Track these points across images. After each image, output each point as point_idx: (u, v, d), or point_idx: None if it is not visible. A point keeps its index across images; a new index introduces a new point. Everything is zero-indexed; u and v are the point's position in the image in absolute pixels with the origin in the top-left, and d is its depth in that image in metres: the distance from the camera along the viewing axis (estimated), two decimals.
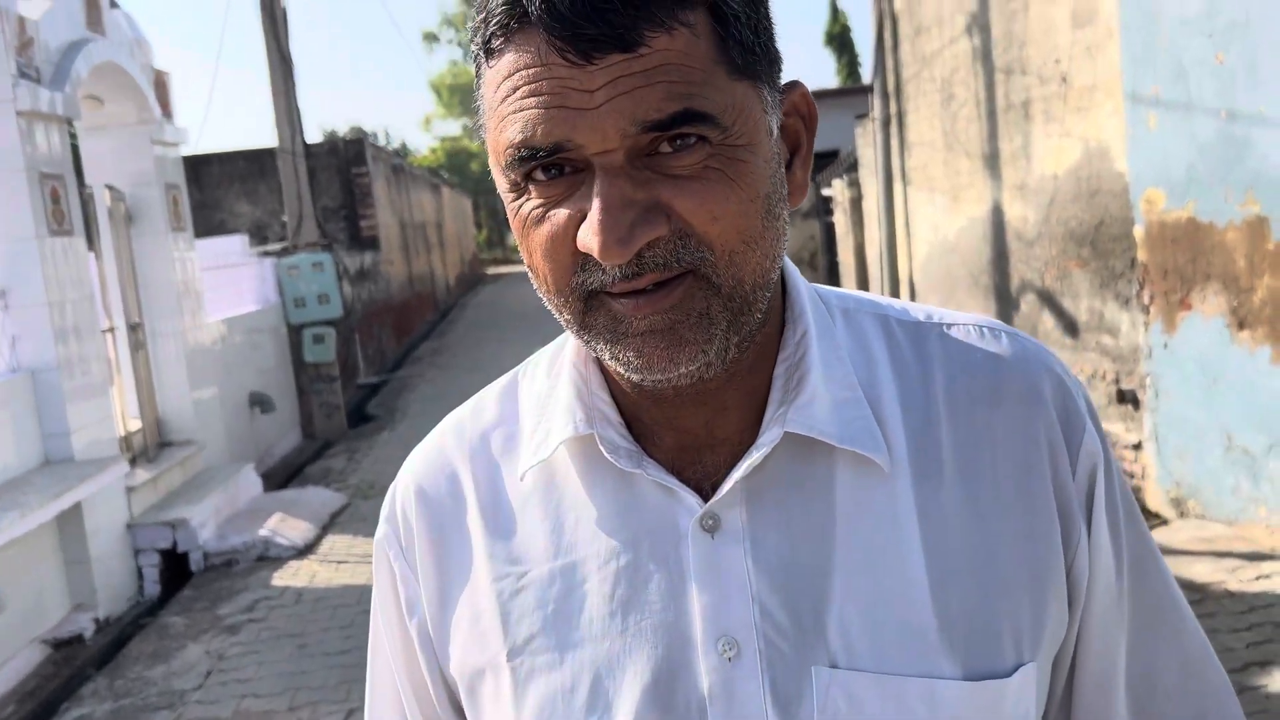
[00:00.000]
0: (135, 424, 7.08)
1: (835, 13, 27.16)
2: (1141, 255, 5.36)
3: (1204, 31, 4.75)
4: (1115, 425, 5.78)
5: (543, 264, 0.69)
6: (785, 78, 0.73)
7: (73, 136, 6.81)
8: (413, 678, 0.85)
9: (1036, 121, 6.30)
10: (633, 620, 0.74)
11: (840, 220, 11.01)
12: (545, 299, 0.71)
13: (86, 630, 5.44)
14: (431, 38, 49.06)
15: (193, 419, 7.58)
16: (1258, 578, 4.40)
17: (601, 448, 0.75)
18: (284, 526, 6.77)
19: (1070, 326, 6.19)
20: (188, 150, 9.05)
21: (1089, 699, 0.81)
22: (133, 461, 6.69)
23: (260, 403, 9.16)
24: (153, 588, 6.20)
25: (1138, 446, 5.59)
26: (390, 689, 0.88)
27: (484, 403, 0.85)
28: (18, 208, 5.49)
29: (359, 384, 12.84)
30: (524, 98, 0.65)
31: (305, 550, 6.53)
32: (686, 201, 0.65)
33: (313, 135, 14.09)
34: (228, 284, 9.51)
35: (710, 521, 0.73)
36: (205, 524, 6.56)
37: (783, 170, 0.72)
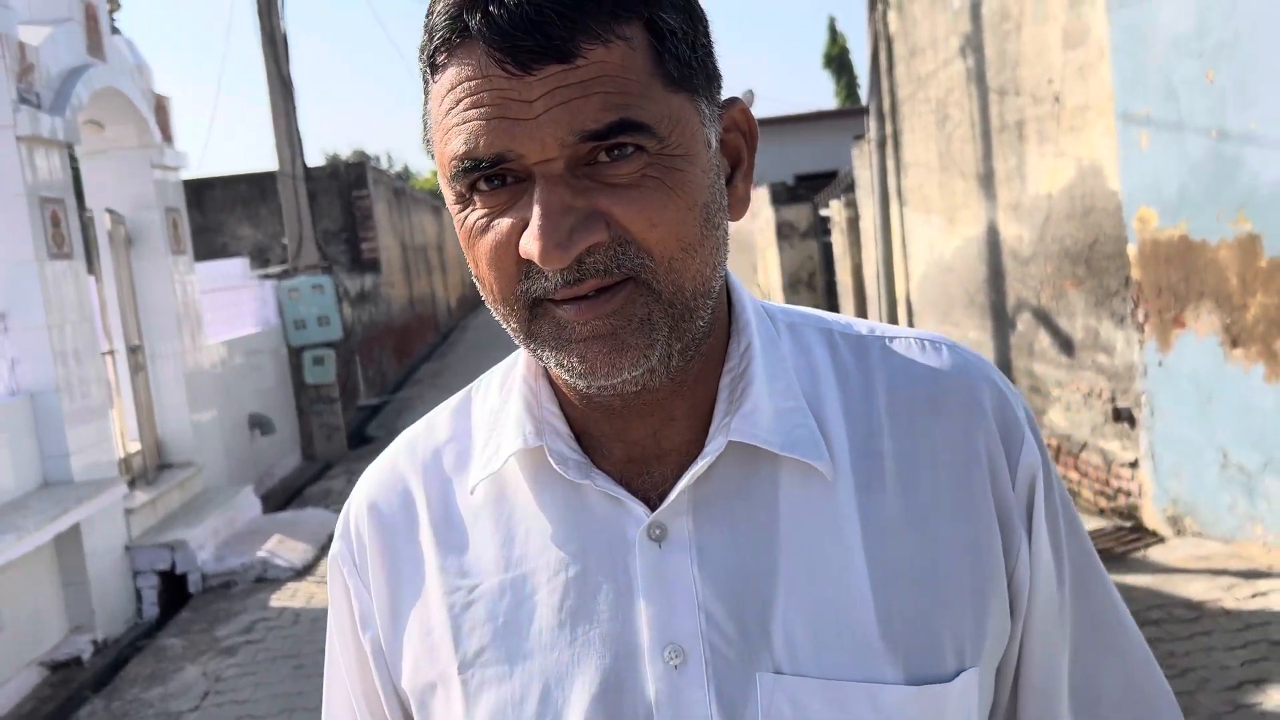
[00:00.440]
0: (135, 446, 7.09)
1: (834, 34, 27.33)
2: (1135, 273, 5.39)
3: (1194, 52, 4.78)
4: (1111, 443, 5.79)
5: (488, 273, 0.70)
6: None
7: (73, 160, 6.86)
8: (366, 692, 0.86)
9: (1030, 141, 6.33)
10: (581, 631, 0.75)
11: (838, 240, 11.04)
12: (492, 309, 0.73)
13: (85, 652, 5.44)
14: None
15: (192, 441, 7.59)
16: (1254, 595, 4.40)
17: (550, 459, 0.77)
18: (282, 548, 6.77)
19: (1066, 345, 6.21)
20: (189, 173, 9.11)
21: (1032, 708, 0.82)
22: (132, 483, 6.70)
23: (260, 424, 9.18)
24: (151, 609, 6.20)
25: (1134, 464, 5.60)
26: (344, 703, 0.88)
27: (437, 419, 0.87)
28: (18, 231, 5.53)
29: (359, 405, 12.86)
30: (466, 109, 0.67)
31: (303, 571, 6.53)
32: (625, 209, 0.67)
33: (316, 158, 14.14)
34: (229, 306, 9.55)
35: (657, 531, 0.75)
36: (204, 545, 6.57)
37: (722, 183, 0.73)
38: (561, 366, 0.71)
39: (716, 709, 0.72)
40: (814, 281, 12.55)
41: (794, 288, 12.62)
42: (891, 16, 8.54)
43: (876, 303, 9.25)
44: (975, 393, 0.78)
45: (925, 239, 8.28)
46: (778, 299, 12.73)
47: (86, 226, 6.79)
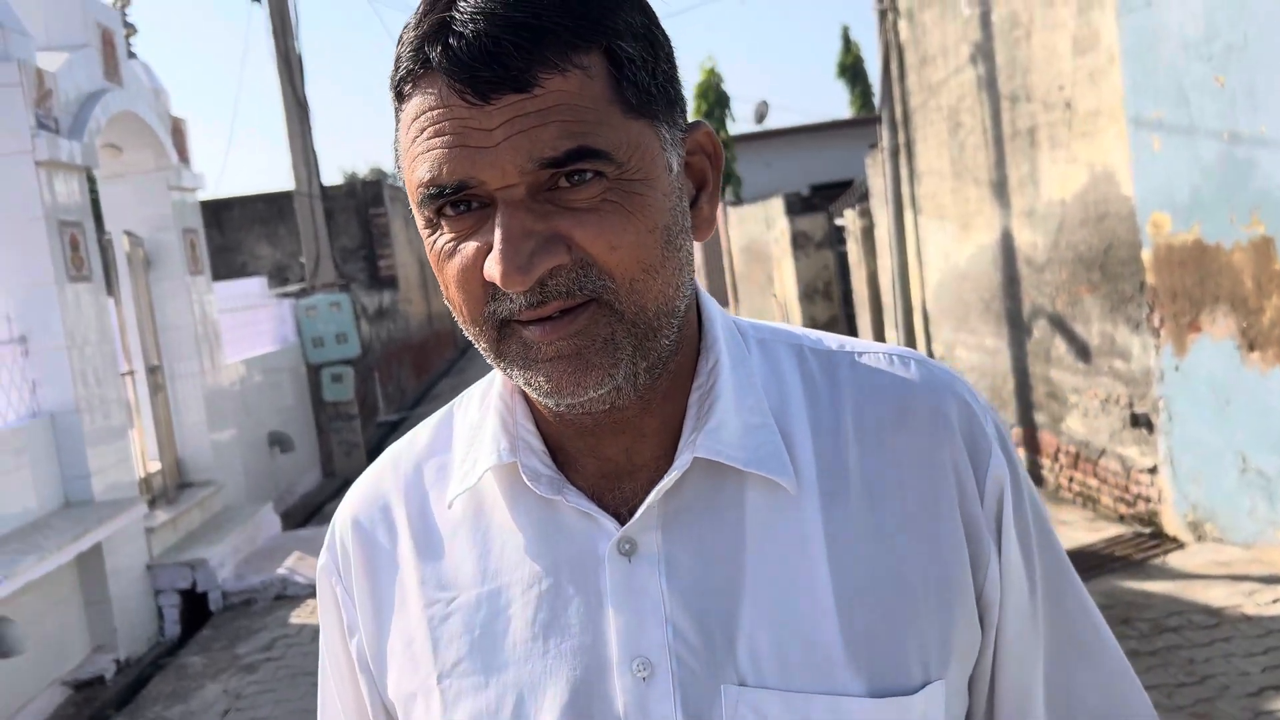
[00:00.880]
0: (155, 465, 7.15)
1: (847, 44, 27.30)
2: (1150, 278, 5.36)
3: (1203, 55, 4.77)
4: (1130, 449, 5.75)
5: (457, 295, 0.73)
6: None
7: (92, 183, 6.94)
8: (356, 701, 0.88)
9: (1043, 148, 6.32)
10: (553, 643, 0.77)
11: (853, 249, 11.03)
12: (464, 329, 0.75)
13: (107, 671, 5.49)
14: None
15: (212, 459, 7.65)
16: (1275, 601, 4.36)
17: (524, 475, 0.78)
18: (302, 565, 6.81)
19: (1082, 351, 6.18)
20: (207, 194, 9.20)
21: (1008, 719, 0.82)
22: (152, 503, 6.76)
23: (280, 442, 9.24)
24: (173, 628, 6.24)
25: (1153, 470, 5.56)
26: (336, 713, 0.91)
27: (420, 435, 0.89)
28: (38, 255, 5.60)
29: (378, 422, 12.92)
30: (430, 138, 0.69)
31: None
32: (585, 232, 0.69)
33: (333, 177, 14.27)
34: (247, 325, 9.63)
35: (627, 546, 0.76)
36: (224, 564, 6.61)
37: (685, 204, 0.75)
38: (529, 385, 0.73)
39: None
40: (830, 291, 12.53)
41: (810, 297, 12.60)
42: (902, 25, 8.55)
43: (892, 311, 9.23)
44: (942, 407, 0.79)
45: (940, 247, 8.26)
46: (794, 309, 12.71)
47: (105, 249, 6.87)
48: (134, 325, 7.31)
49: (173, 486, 7.28)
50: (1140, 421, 5.62)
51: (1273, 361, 4.63)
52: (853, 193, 11.78)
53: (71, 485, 5.71)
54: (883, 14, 8.68)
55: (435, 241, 0.73)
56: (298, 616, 6.14)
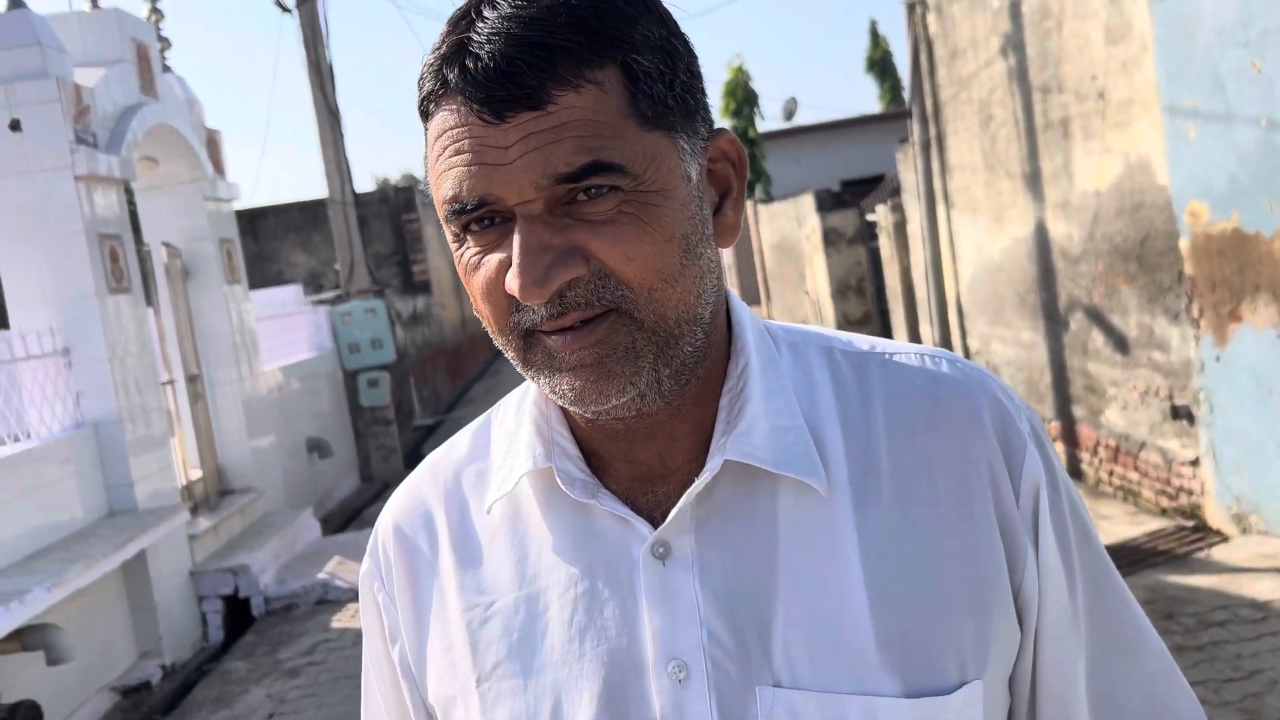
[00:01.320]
0: (196, 473, 7.25)
1: (876, 38, 27.17)
2: (1188, 268, 5.29)
3: (1239, 41, 4.70)
4: (1171, 442, 5.68)
5: (483, 306, 0.75)
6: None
7: (129, 196, 7.04)
8: (399, 705, 0.90)
9: (1076, 139, 6.26)
10: (590, 646, 0.78)
11: (885, 245, 10.97)
12: (493, 338, 0.78)
13: (154, 677, 5.57)
14: None
15: (252, 466, 7.74)
16: None
17: (559, 480, 0.80)
18: (342, 569, 6.87)
19: (1120, 343, 6.11)
20: (242, 204, 9.31)
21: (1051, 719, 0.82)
22: (194, 510, 6.85)
23: (318, 448, 9.33)
24: (216, 633, 6.32)
25: (1195, 462, 5.49)
26: (380, 714, 0.92)
27: (459, 442, 0.91)
28: (78, 268, 5.69)
29: (415, 426, 13.01)
30: (451, 156, 0.72)
31: None
32: (602, 244, 0.71)
33: (366, 184, 14.40)
34: (284, 332, 9.72)
35: (661, 549, 0.77)
36: (266, 569, 6.68)
37: (707, 212, 0.76)
38: (555, 393, 0.75)
39: None
40: (863, 287, 12.47)
41: (842, 294, 12.54)
42: (931, 19, 8.50)
43: (926, 306, 9.18)
44: (973, 406, 0.79)
45: (973, 241, 8.20)
46: (826, 306, 12.66)
47: (144, 260, 6.97)
48: (173, 335, 7.41)
49: (214, 494, 7.37)
50: (1181, 413, 5.55)
51: None
52: (884, 188, 11.71)
53: (115, 494, 5.80)
54: (911, 8, 8.62)
55: (462, 255, 0.75)
56: (339, 621, 6.20)
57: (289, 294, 11.04)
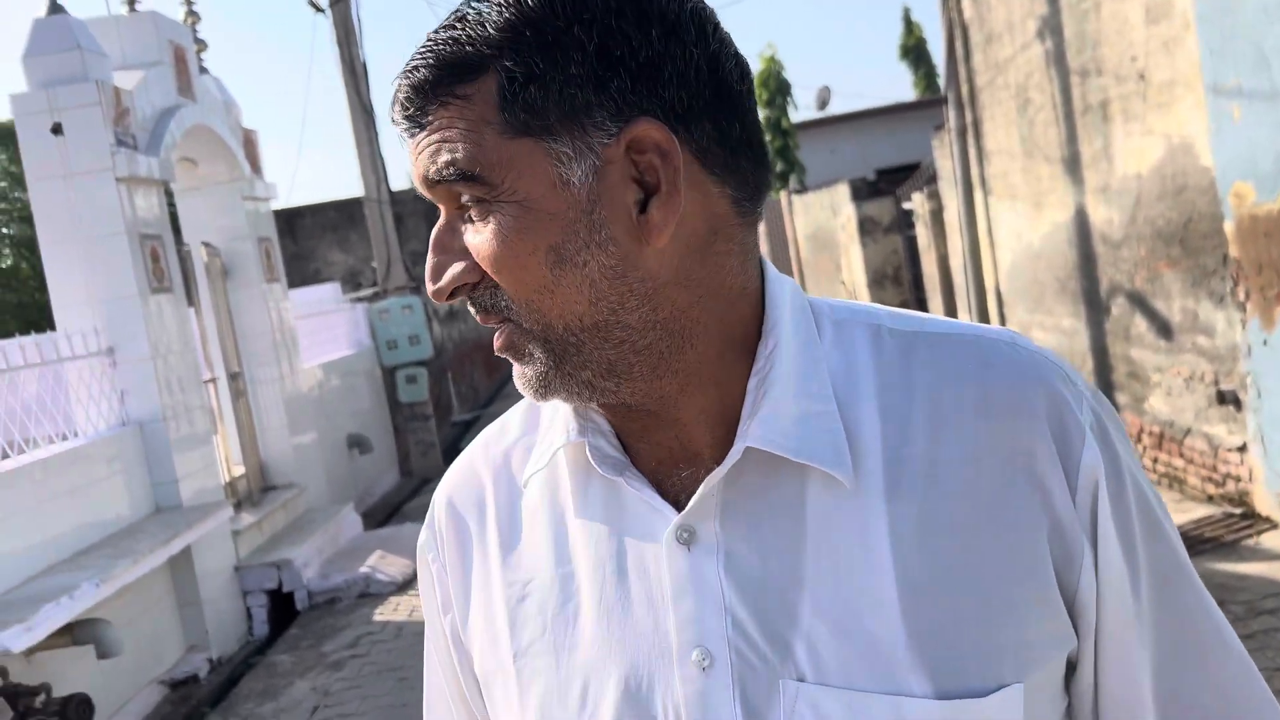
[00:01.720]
0: (239, 470, 7.33)
1: (909, 25, 26.92)
2: (1233, 251, 5.20)
3: None
4: (1217, 427, 5.59)
5: None
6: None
7: (169, 196, 7.13)
8: (453, 674, 0.92)
9: (1116, 121, 6.17)
10: (616, 628, 0.77)
11: (922, 233, 10.88)
12: None
13: (201, 670, 5.64)
14: None
15: (294, 462, 7.82)
16: None
17: (589, 455, 0.79)
18: (383, 563, 6.93)
19: (1164, 328, 6.02)
20: (280, 203, 9.39)
21: None
22: (238, 506, 6.93)
23: (358, 444, 9.41)
24: (261, 627, 6.40)
25: (1242, 448, 5.40)
26: (439, 681, 0.94)
27: (510, 419, 0.91)
28: (120, 268, 5.77)
29: (453, 421, 13.08)
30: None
31: (404, 585, 6.67)
32: (478, 254, 0.73)
33: (401, 182, 14.52)
34: (323, 330, 9.81)
35: (685, 534, 0.75)
36: (309, 564, 6.75)
37: (599, 216, 0.71)
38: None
39: (741, 713, 0.73)
40: (899, 276, 12.38)
41: (879, 283, 12.46)
42: (966, 4, 8.40)
43: (964, 294, 9.09)
44: (1026, 395, 0.75)
45: (1011, 227, 8.11)
46: (863, 296, 12.58)
47: (184, 260, 7.05)
48: (214, 333, 7.50)
49: (257, 490, 7.45)
50: (1227, 399, 5.46)
51: None
52: (919, 176, 11.61)
53: (160, 491, 5.88)
54: None
55: None
56: (381, 614, 6.25)
57: (327, 292, 11.14)
